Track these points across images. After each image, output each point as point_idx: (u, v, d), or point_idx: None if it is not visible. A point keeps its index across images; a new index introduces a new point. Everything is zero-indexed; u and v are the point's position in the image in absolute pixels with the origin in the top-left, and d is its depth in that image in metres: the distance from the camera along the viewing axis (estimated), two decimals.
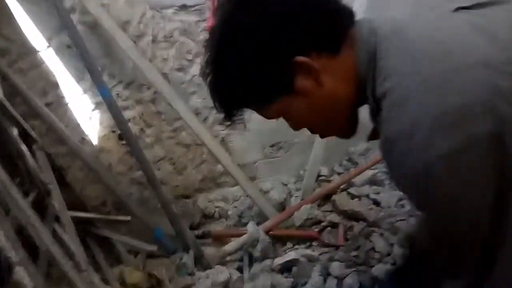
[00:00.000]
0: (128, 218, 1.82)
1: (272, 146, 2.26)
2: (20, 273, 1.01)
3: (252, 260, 1.70)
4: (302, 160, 2.25)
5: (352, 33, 0.65)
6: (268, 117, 0.74)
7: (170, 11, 1.81)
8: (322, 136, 0.79)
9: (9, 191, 1.21)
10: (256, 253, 1.68)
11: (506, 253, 0.51)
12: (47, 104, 1.74)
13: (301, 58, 0.62)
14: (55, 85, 1.74)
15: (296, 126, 0.75)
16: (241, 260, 1.72)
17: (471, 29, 0.55)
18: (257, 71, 0.64)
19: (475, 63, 0.50)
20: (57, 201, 1.55)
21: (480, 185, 0.50)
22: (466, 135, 0.48)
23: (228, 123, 0.77)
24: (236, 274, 1.59)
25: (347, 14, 0.67)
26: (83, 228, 1.77)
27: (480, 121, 0.48)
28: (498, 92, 0.48)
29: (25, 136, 1.57)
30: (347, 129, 0.73)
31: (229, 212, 2.06)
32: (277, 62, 0.63)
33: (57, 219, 1.50)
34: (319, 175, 2.25)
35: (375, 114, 0.61)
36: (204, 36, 1.88)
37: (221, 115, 0.75)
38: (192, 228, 1.94)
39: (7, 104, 1.46)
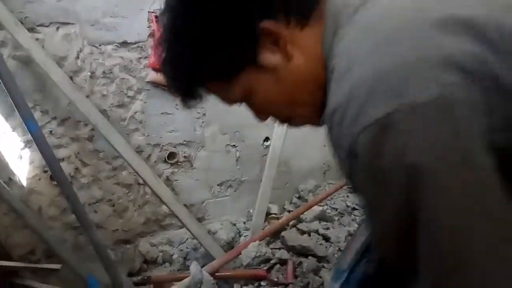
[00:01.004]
0: (59, 266, 1.64)
1: (220, 184, 2.21)
2: None
3: None
4: (251, 199, 2.21)
5: (323, 5, 0.58)
6: (231, 99, 0.64)
7: (110, 47, 1.79)
8: (291, 124, 0.68)
9: None
10: None
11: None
12: None
13: (267, 23, 0.54)
14: None
15: (260, 110, 0.66)
16: None
17: None
18: (217, 37, 0.57)
19: (424, 22, 0.44)
20: None
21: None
22: (401, 100, 0.40)
23: (187, 105, 0.65)
24: None
25: None
26: (7, 280, 1.57)
27: (421, 86, 0.40)
28: (445, 55, 0.41)
29: None
30: (318, 114, 0.60)
31: (174, 256, 1.93)
32: (239, 26, 0.55)
33: None
34: (269, 213, 2.20)
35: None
36: (146, 73, 1.88)
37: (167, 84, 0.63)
38: (132, 274, 1.79)
39: None
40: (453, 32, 0.42)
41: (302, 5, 0.57)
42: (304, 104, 0.62)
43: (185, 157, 2.07)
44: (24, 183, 1.74)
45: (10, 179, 1.71)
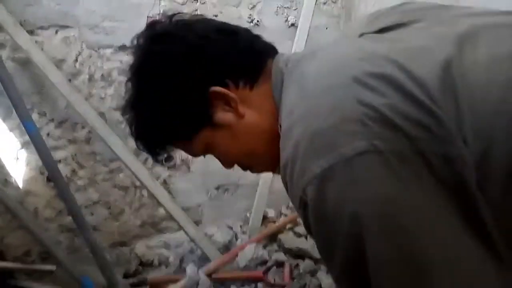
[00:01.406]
0: (53, 267, 1.63)
1: (217, 188, 2.21)
2: None
3: None
4: (248, 202, 2.21)
5: (270, 65, 0.65)
6: (195, 153, 0.71)
7: (108, 51, 1.81)
8: (253, 171, 0.75)
9: None
10: None
11: None
12: None
13: (216, 88, 0.62)
14: None
15: (225, 161, 0.73)
16: None
17: (357, 49, 0.56)
18: (175, 103, 0.64)
19: (346, 79, 0.48)
20: None
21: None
22: (335, 155, 0.44)
23: (156, 159, 0.74)
24: None
25: (265, 46, 0.69)
26: (2, 280, 1.56)
27: (349, 141, 0.44)
28: (369, 110, 0.45)
29: None
30: (271, 162, 0.66)
31: (170, 259, 1.92)
32: (193, 94, 0.63)
33: None
34: (266, 218, 2.20)
35: None
36: None
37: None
38: (127, 276, 1.78)
39: None
40: (373, 87, 0.46)
41: (248, 70, 0.64)
42: (260, 155, 0.69)
43: (182, 160, 2.07)
44: (20, 184, 1.74)
45: (6, 180, 1.71)
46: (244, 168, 0.74)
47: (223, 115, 0.64)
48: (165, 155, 0.73)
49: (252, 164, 0.73)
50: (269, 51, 0.69)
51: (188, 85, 0.63)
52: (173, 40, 0.64)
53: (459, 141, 0.43)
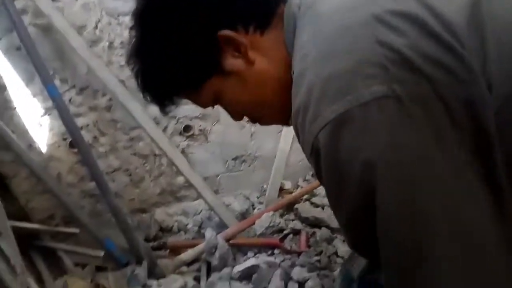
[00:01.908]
0: (77, 230, 1.68)
1: (234, 159, 2.22)
2: None
3: (210, 270, 1.60)
4: (265, 174, 2.22)
5: (282, 9, 0.61)
6: (203, 103, 0.68)
7: (127, 18, 1.80)
8: (262, 123, 0.72)
9: None
10: (214, 261, 1.58)
11: None
12: None
13: (225, 32, 0.58)
14: (2, 88, 1.66)
15: (234, 112, 0.70)
16: (198, 270, 1.62)
17: None
18: (181, 49, 0.60)
19: (365, 17, 0.45)
20: None
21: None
22: (351, 100, 0.42)
23: (164, 111, 0.70)
24: (191, 283, 1.49)
25: None
26: (26, 241, 1.61)
27: (366, 85, 0.42)
28: (389, 51, 0.42)
29: None
30: (282, 112, 0.64)
31: (188, 226, 1.96)
32: (200, 38, 0.59)
33: None
34: (282, 189, 2.21)
35: None
36: None
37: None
38: (148, 241, 1.82)
39: None
40: (394, 27, 0.43)
41: (259, 13, 0.60)
42: (271, 105, 0.65)
43: (200, 130, 2.08)
44: (44, 149, 1.79)
45: (30, 146, 1.75)
46: (254, 120, 0.71)
47: (232, 62, 0.60)
48: (174, 107, 0.70)
49: (262, 115, 0.69)
50: None
51: (194, 29, 0.59)
52: None
53: (482, 84, 0.41)
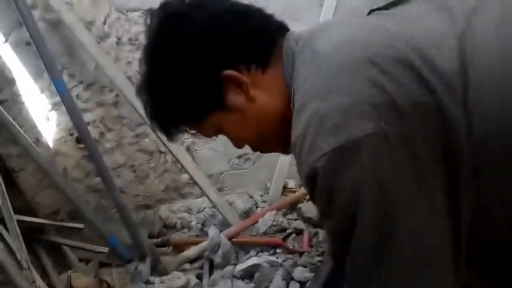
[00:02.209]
0: (82, 225, 1.70)
1: (239, 157, 2.23)
2: None
3: (213, 268, 1.62)
4: (269, 173, 2.22)
5: (281, 45, 0.65)
6: (206, 134, 0.73)
7: (136, 14, 1.81)
8: (263, 152, 0.77)
9: None
10: (217, 259, 1.60)
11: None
12: (1, 101, 1.66)
13: (228, 72, 0.62)
14: (11, 82, 1.67)
15: (236, 143, 0.74)
16: (201, 268, 1.63)
17: (371, 27, 0.57)
18: (187, 86, 0.64)
19: (361, 59, 0.50)
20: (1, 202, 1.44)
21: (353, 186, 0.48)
22: (344, 136, 0.47)
23: (171, 139, 0.74)
24: (194, 280, 1.50)
25: (277, 26, 0.67)
26: (32, 235, 1.64)
27: (360, 123, 0.47)
28: (380, 92, 0.48)
29: None
30: (281, 143, 0.69)
31: (192, 223, 1.97)
32: (206, 76, 0.63)
33: None
34: (286, 188, 2.22)
35: None
36: None
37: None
38: (151, 237, 1.84)
39: None
40: (387, 71, 0.49)
41: (260, 52, 0.64)
42: (271, 137, 0.70)
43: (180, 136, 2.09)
44: (51, 144, 1.80)
45: (38, 140, 1.77)
46: (255, 149, 0.75)
47: (235, 99, 0.64)
48: (180, 135, 0.73)
49: (263, 145, 0.74)
50: (281, 30, 0.67)
51: (200, 67, 0.63)
52: (184, 21, 0.63)
53: (463, 132, 0.47)
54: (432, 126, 0.47)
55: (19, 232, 1.38)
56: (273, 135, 0.69)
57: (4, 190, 1.46)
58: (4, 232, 1.38)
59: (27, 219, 1.62)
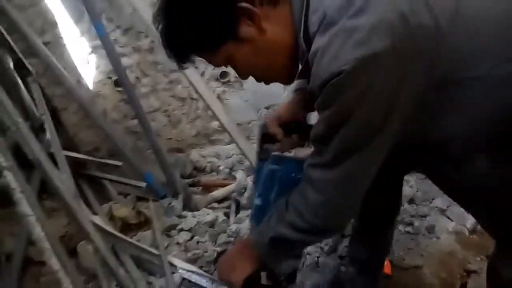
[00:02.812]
0: (120, 163, 1.83)
1: (267, 108, 2.28)
2: (9, 177, 1.03)
3: (239, 208, 1.73)
4: None
5: None
6: (216, 63, 0.76)
7: None
8: (265, 82, 0.82)
9: (9, 110, 1.23)
10: (243, 200, 1.70)
11: None
12: (45, 43, 1.75)
13: (243, 4, 0.66)
14: (54, 25, 1.75)
15: (242, 73, 0.78)
16: (228, 207, 1.75)
17: None
18: (204, 16, 0.68)
19: None
20: (51, 136, 1.57)
21: (374, 91, 0.60)
22: (368, 50, 0.57)
23: (181, 67, 0.78)
24: (222, 217, 1.62)
25: None
26: (75, 170, 1.78)
27: (378, 41, 0.57)
28: (403, 18, 0.58)
29: (19, 68, 1.58)
30: (287, 75, 0.78)
31: (220, 168, 2.08)
32: (222, 7, 0.67)
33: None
34: None
35: (306, 51, 0.68)
36: None
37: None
38: (183, 177, 1.96)
39: (4, 32, 1.47)
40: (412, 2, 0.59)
41: None
42: (277, 69, 0.76)
43: (236, 77, 2.13)
44: (91, 86, 1.90)
45: (79, 82, 1.87)
46: (259, 80, 0.80)
47: (247, 30, 0.69)
48: (190, 64, 0.78)
49: (268, 76, 0.79)
50: None
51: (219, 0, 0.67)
52: None
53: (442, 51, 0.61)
54: (428, 45, 0.60)
55: (67, 166, 1.52)
56: (280, 67, 0.75)
57: (53, 127, 1.60)
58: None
59: (71, 154, 1.76)
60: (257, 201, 0.99)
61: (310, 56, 0.64)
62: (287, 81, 0.81)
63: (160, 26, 0.72)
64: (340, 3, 0.61)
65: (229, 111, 2.17)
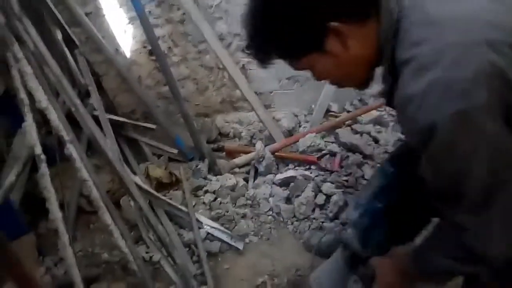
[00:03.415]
0: (154, 126, 2.05)
1: (288, 78, 2.40)
2: (71, 149, 1.27)
3: (257, 174, 1.96)
4: (315, 95, 2.40)
5: (381, 2, 0.73)
6: (296, 68, 0.83)
7: None
8: (339, 87, 0.90)
9: (60, 80, 1.44)
10: (261, 168, 1.92)
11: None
12: (87, 14, 1.90)
13: (335, 24, 0.72)
14: None
15: (319, 79, 0.85)
16: (247, 173, 1.98)
17: (481, 9, 0.65)
18: (296, 28, 0.74)
19: (479, 41, 0.61)
20: (95, 101, 1.79)
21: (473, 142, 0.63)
22: (467, 104, 0.60)
23: (262, 66, 0.85)
24: (242, 182, 1.85)
25: None
26: (115, 130, 2.02)
27: (480, 93, 0.59)
28: (496, 69, 0.60)
29: (67, 41, 1.76)
30: (363, 84, 0.84)
31: (243, 134, 2.28)
32: (314, 24, 0.73)
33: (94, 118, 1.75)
34: (329, 111, 2.41)
35: (390, 75, 0.73)
36: None
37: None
38: (208, 142, 2.18)
39: (53, 7, 1.63)
40: (498, 51, 0.61)
41: (362, 11, 0.74)
42: (354, 78, 0.83)
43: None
44: (128, 54, 2.08)
45: (117, 50, 2.05)
46: (334, 84, 0.88)
47: (334, 46, 0.74)
48: (270, 65, 0.86)
49: (343, 84, 0.88)
50: None
51: (313, 15, 0.72)
52: None
53: None
54: None
55: (110, 128, 1.75)
56: (356, 78, 0.83)
57: (97, 94, 1.81)
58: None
59: (112, 117, 1.99)
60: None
61: (399, 102, 0.68)
62: (360, 87, 0.87)
63: (249, 28, 0.78)
64: (433, 45, 0.64)
65: (253, 80, 2.32)
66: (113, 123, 1.98)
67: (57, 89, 1.48)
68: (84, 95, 1.86)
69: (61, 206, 1.22)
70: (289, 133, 2.25)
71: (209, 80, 2.27)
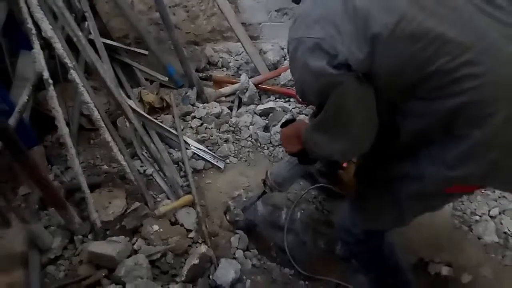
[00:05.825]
0: (146, 52, 2.18)
1: (277, 10, 2.47)
2: (74, 75, 1.44)
3: (241, 104, 2.16)
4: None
5: None
6: None
7: None
8: None
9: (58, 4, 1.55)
10: (245, 98, 2.12)
11: None
12: None
13: None
14: None
15: None
16: (232, 102, 2.18)
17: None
18: None
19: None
20: (91, 25, 1.90)
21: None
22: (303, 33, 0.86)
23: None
24: (226, 111, 2.06)
25: None
26: (109, 55, 2.14)
27: (314, 29, 0.84)
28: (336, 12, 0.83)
29: None
30: None
31: (230, 64, 2.43)
32: None
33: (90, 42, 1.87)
34: None
35: None
36: None
37: None
38: (197, 71, 2.33)
39: None
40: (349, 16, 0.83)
41: None
42: None
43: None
44: None
45: None
46: None
47: None
48: None
49: None
50: None
51: None
52: None
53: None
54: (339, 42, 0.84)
55: (106, 53, 1.89)
56: None
57: (93, 19, 1.90)
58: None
59: (105, 40, 2.10)
60: None
61: None
62: None
63: None
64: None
65: (242, 11, 2.39)
66: (107, 47, 2.10)
67: (56, 15, 1.59)
68: (80, 20, 1.95)
69: (66, 124, 1.43)
70: (274, 66, 2.39)
71: (200, 9, 2.34)
